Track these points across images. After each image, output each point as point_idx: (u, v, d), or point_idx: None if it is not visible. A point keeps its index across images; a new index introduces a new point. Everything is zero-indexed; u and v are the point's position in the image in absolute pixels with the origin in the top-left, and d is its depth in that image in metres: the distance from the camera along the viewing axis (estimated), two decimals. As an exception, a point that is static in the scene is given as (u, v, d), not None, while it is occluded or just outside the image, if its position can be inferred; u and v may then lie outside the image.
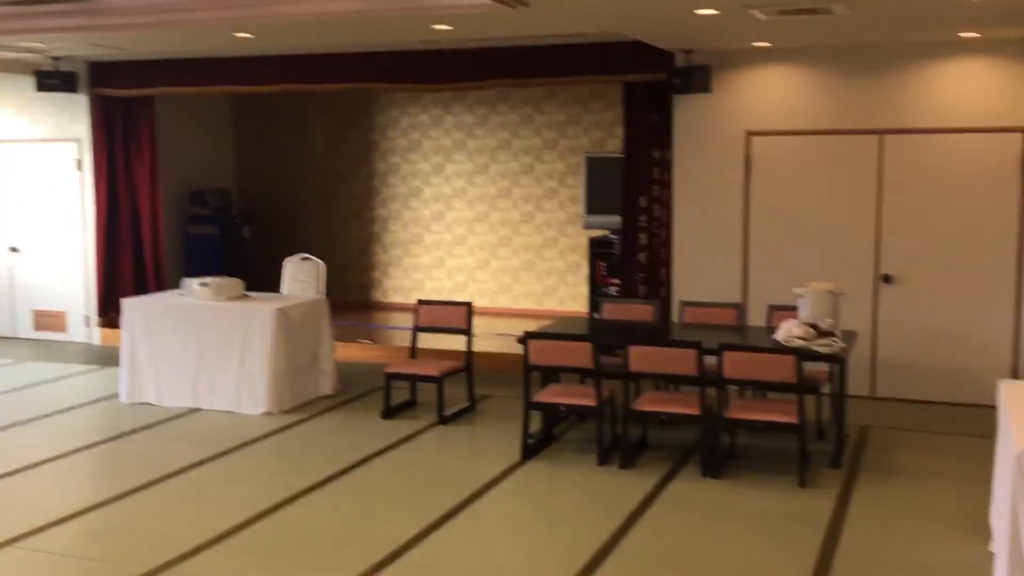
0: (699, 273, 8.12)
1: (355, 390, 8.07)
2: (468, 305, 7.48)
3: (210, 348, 7.48)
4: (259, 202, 11.82)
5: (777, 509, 5.39)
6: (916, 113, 7.46)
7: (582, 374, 6.72)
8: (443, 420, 7.12)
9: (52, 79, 9.53)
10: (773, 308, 6.99)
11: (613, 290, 9.16)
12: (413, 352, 7.68)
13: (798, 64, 7.72)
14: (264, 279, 9.97)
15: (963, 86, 7.34)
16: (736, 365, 5.81)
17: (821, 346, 5.94)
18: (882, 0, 5.64)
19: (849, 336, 6.38)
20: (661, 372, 6.07)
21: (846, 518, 5.24)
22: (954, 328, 7.52)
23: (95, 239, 9.98)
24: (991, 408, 7.37)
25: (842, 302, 6.38)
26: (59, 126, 10.09)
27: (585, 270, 10.36)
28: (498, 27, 6.99)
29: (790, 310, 6.69)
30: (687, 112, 8.03)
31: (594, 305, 9.33)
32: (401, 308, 11.33)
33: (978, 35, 6.98)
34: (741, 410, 5.99)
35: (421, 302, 7.67)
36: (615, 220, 9.00)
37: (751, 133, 7.88)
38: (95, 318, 10.15)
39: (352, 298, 11.57)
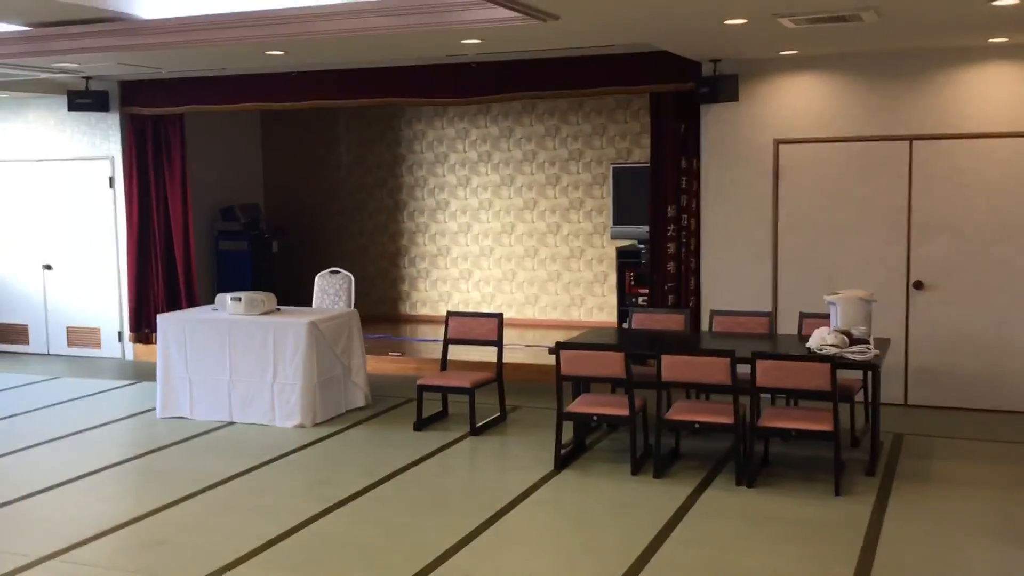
0: (728, 282, 8.11)
1: (387, 402, 8.11)
2: (499, 316, 7.51)
3: (243, 362, 7.54)
4: (288, 217, 11.92)
5: (813, 517, 5.37)
6: (945, 119, 7.43)
7: (613, 384, 6.74)
8: (475, 431, 7.15)
9: (84, 98, 9.67)
10: (804, 316, 6.98)
11: (641, 300, 9.16)
12: (444, 364, 7.71)
13: (826, 71, 7.72)
14: (293, 293, 10.07)
15: (993, 91, 7.31)
16: (769, 373, 5.80)
17: (855, 354, 5.92)
18: (911, 6, 5.63)
19: (882, 343, 6.35)
20: (694, 381, 6.07)
21: (883, 526, 5.21)
22: (987, 334, 7.47)
23: (127, 256, 10.10)
24: (1027, 414, 7.33)
25: (874, 309, 6.36)
26: (91, 144, 10.23)
27: (612, 281, 10.38)
28: (528, 41, 7.04)
29: (821, 318, 6.68)
30: (715, 121, 8.04)
31: (622, 315, 9.34)
32: (429, 320, 11.39)
33: (1007, 40, 6.96)
34: (774, 418, 5.98)
35: (451, 314, 7.70)
36: (642, 230, 9.02)
37: (779, 141, 7.88)
38: (128, 334, 10.27)
39: (380, 311, 11.63)
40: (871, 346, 6.01)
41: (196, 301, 9.97)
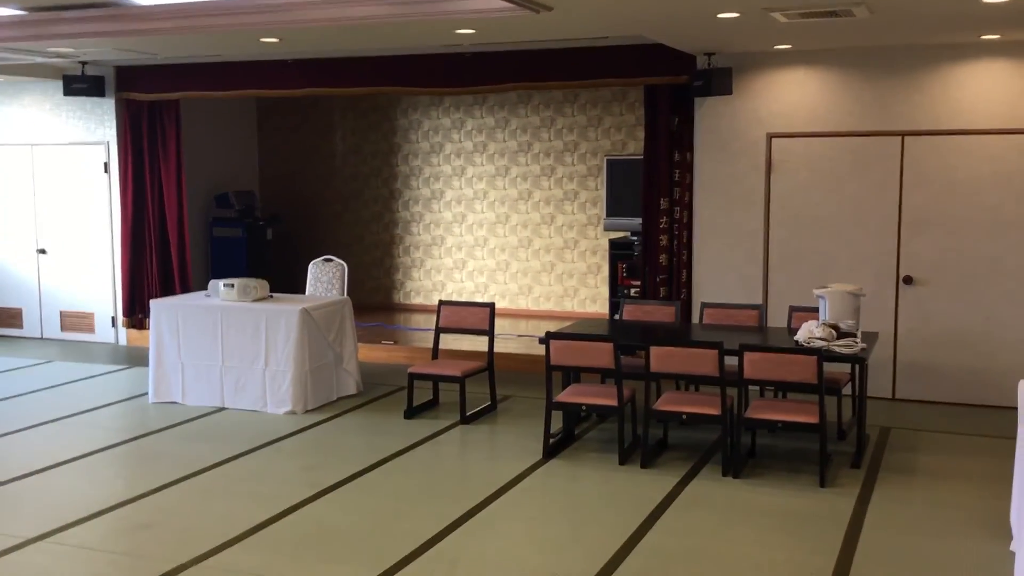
0: (720, 275, 8.15)
1: (378, 390, 8.16)
2: (491, 306, 7.55)
3: (235, 348, 7.58)
4: (282, 204, 11.93)
5: (798, 508, 5.43)
6: (937, 115, 7.47)
7: (603, 374, 6.78)
8: (465, 420, 7.19)
9: (80, 83, 9.68)
10: (794, 309, 7.02)
11: (633, 292, 9.20)
12: (435, 353, 7.75)
13: (819, 66, 7.75)
14: (287, 281, 10.10)
15: (985, 88, 7.34)
16: (757, 366, 5.85)
17: (842, 347, 5.97)
18: (903, 2, 5.66)
19: (870, 337, 6.40)
20: (682, 372, 6.11)
21: (866, 517, 5.26)
22: (975, 329, 7.52)
23: (121, 241, 10.12)
24: (1012, 409, 7.38)
25: (863, 303, 6.40)
26: (86, 129, 10.24)
27: (605, 272, 10.41)
28: (521, 31, 7.06)
29: (811, 311, 6.73)
30: (709, 114, 8.07)
31: (614, 307, 9.38)
32: (422, 310, 11.42)
33: (999, 37, 6.99)
34: (762, 410, 6.02)
35: (443, 303, 7.74)
36: (635, 222, 9.05)
37: (772, 135, 7.92)
38: (121, 319, 10.29)
39: (374, 300, 11.67)
40: (858, 340, 6.05)
41: (190, 287, 9.99)
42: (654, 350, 6.05)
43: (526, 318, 10.92)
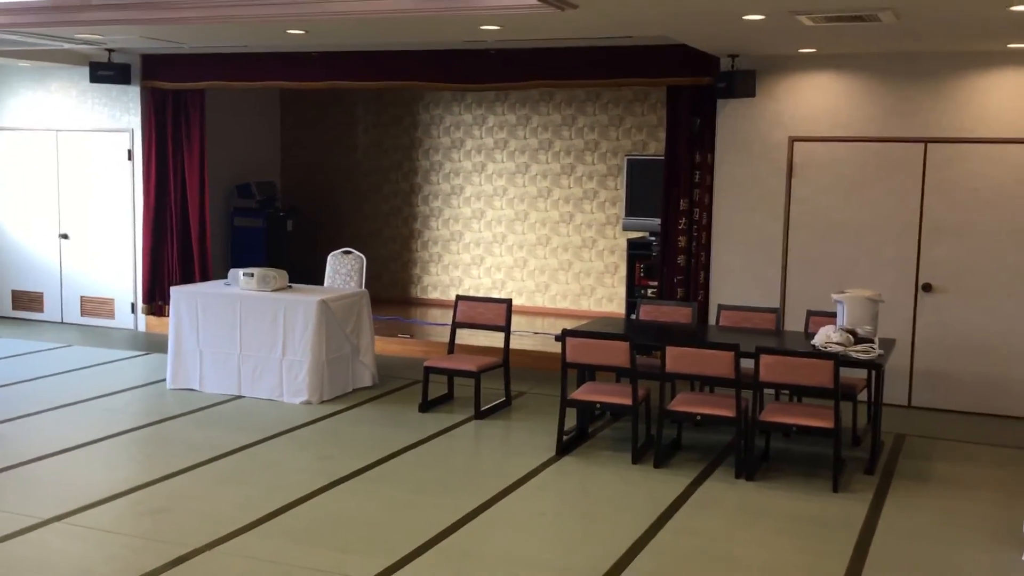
0: (737, 277, 8.15)
1: (393, 383, 8.19)
2: (508, 302, 7.57)
3: (254, 337, 7.63)
4: (303, 196, 11.99)
5: (810, 512, 5.42)
6: (961, 123, 7.44)
7: (618, 373, 6.79)
8: (479, 415, 7.22)
9: (106, 70, 9.76)
10: (811, 313, 7.01)
11: (651, 292, 9.20)
12: (451, 347, 7.77)
13: (843, 70, 7.73)
14: (306, 272, 10.14)
15: (1009, 97, 7.30)
16: (773, 369, 5.84)
17: (859, 352, 5.96)
18: (929, 8, 5.64)
19: (887, 344, 6.38)
20: (697, 373, 6.11)
21: (879, 524, 5.26)
22: (994, 339, 7.48)
23: (143, 228, 10.20)
24: (1029, 420, 7.35)
25: (881, 309, 6.39)
26: (111, 116, 10.32)
27: (622, 272, 10.41)
28: (547, 29, 7.07)
29: (828, 316, 6.72)
30: (731, 116, 8.06)
31: (631, 306, 9.38)
32: (439, 305, 11.45)
33: (1026, 46, 6.96)
34: (777, 413, 6.02)
35: (460, 298, 7.76)
36: (654, 222, 9.05)
37: (794, 139, 7.90)
38: (141, 305, 10.37)
39: (391, 293, 11.71)
40: (876, 346, 6.04)
41: (210, 276, 10.06)
42: (670, 350, 6.06)
43: (542, 316, 10.93)
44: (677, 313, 7.34)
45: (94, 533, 4.96)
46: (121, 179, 10.36)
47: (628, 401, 6.23)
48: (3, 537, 4.85)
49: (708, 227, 8.30)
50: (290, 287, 7.99)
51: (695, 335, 6.77)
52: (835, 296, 6.34)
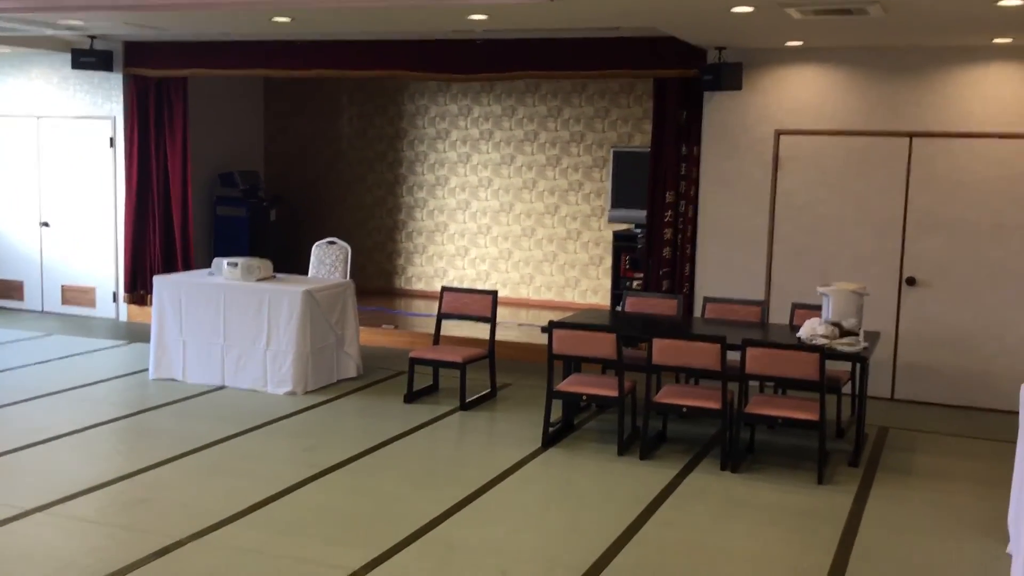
0: (723, 270, 8.16)
1: (378, 374, 8.16)
2: (494, 294, 7.55)
3: (237, 327, 7.58)
4: (287, 186, 11.92)
5: (795, 504, 5.44)
6: (946, 117, 7.47)
7: (604, 365, 6.79)
8: (465, 406, 7.20)
9: (88, 57, 9.65)
10: (796, 306, 7.03)
11: (636, 284, 9.21)
12: (437, 338, 7.75)
13: (830, 64, 7.74)
14: (290, 262, 10.09)
15: (995, 91, 7.34)
16: (759, 361, 5.85)
17: (844, 345, 5.98)
18: (917, 3, 5.65)
19: (872, 337, 6.41)
20: (684, 366, 6.11)
21: (864, 516, 5.28)
22: (977, 332, 7.53)
23: (125, 216, 10.11)
24: (1011, 414, 7.39)
25: (865, 303, 6.41)
26: (93, 103, 10.22)
27: (607, 264, 10.42)
28: (535, 19, 7.05)
29: (813, 309, 6.74)
30: (717, 109, 8.06)
31: (616, 299, 9.39)
32: (423, 296, 11.42)
33: (1012, 41, 6.98)
34: (762, 406, 6.04)
35: (446, 289, 7.74)
36: (640, 215, 9.05)
37: (780, 132, 7.91)
38: (123, 294, 10.29)
39: (375, 284, 11.67)
40: (861, 339, 6.06)
41: (192, 265, 9.99)
42: (656, 342, 6.06)
43: (527, 307, 10.92)
44: (663, 305, 7.35)
45: (77, 524, 4.92)
46: (103, 167, 10.26)
47: (614, 393, 6.23)
48: (-16, 528, 4.80)
49: (694, 220, 8.30)
50: (274, 277, 7.95)
51: (681, 327, 6.78)
52: (820, 289, 6.36)
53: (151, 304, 8.20)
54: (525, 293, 11.17)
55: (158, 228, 10.15)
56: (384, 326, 9.55)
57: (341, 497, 5.41)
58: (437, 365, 7.48)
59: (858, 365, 6.33)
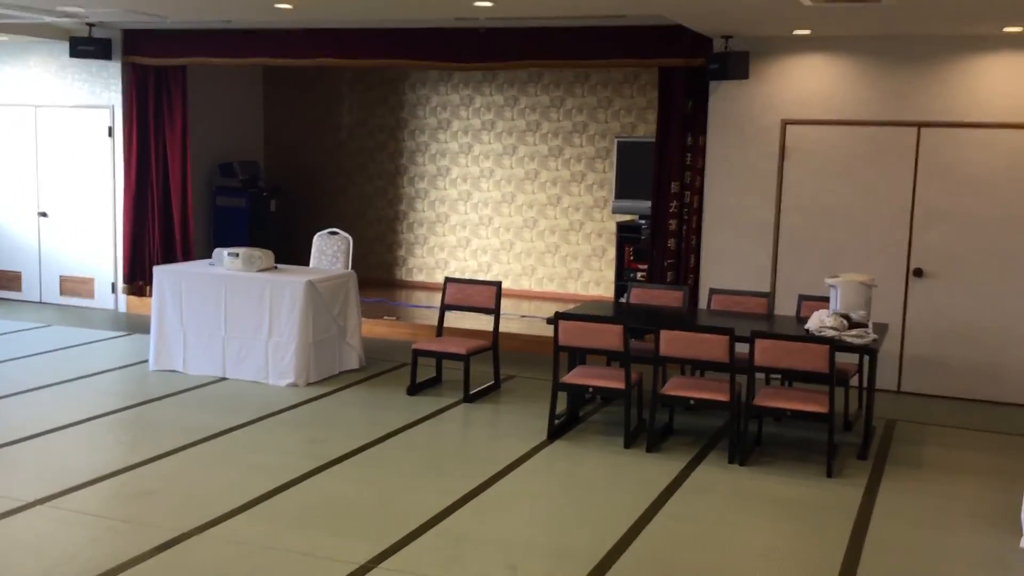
0: (728, 261, 8.09)
1: (380, 365, 8.09)
2: (498, 285, 7.48)
3: (239, 318, 7.51)
4: (287, 176, 11.84)
5: (804, 497, 5.39)
6: (955, 107, 7.40)
7: (609, 357, 6.72)
8: (468, 398, 7.14)
9: (86, 45, 9.56)
10: (803, 298, 6.97)
11: (640, 275, 9.14)
12: (440, 330, 7.68)
13: (838, 53, 7.66)
14: (289, 252, 10.02)
15: (1004, 81, 7.27)
16: (768, 353, 5.79)
17: (853, 337, 5.92)
18: (930, -10, 5.58)
19: (880, 328, 6.35)
20: (691, 357, 6.05)
21: (874, 509, 5.22)
22: (985, 324, 7.47)
23: (124, 206, 10.02)
24: (1020, 407, 7.36)
25: (873, 294, 6.35)
26: (92, 92, 10.12)
27: (610, 255, 10.35)
28: (540, 5, 6.96)
29: (820, 300, 6.68)
30: (723, 98, 7.99)
31: (620, 290, 9.33)
32: (424, 287, 11.35)
33: (1022, 29, 6.91)
34: (771, 398, 5.97)
35: (449, 280, 7.67)
36: (644, 205, 8.98)
37: (787, 122, 7.84)
38: (122, 285, 10.20)
39: (376, 276, 11.59)
40: (870, 330, 6.00)
41: (192, 255, 9.91)
42: (664, 334, 5.99)
43: (528, 299, 10.86)
44: (668, 297, 7.28)
45: (79, 516, 4.85)
46: (101, 156, 10.17)
47: (621, 385, 6.17)
48: (-15, 520, 4.73)
49: (699, 210, 8.24)
50: (276, 268, 7.87)
51: (687, 319, 6.71)
52: (828, 280, 6.29)
53: (150, 295, 8.12)
54: (527, 285, 11.10)
55: (157, 218, 10.06)
56: (385, 317, 9.48)
57: (347, 489, 5.34)
58: (440, 357, 7.41)
59: (866, 357, 6.28)
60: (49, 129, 10.37)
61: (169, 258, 9.92)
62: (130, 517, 4.87)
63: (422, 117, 11.39)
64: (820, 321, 6.08)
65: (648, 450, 6.08)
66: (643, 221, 9.23)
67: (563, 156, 10.83)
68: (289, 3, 7.15)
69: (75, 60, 9.85)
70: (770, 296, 7.20)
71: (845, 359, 6.41)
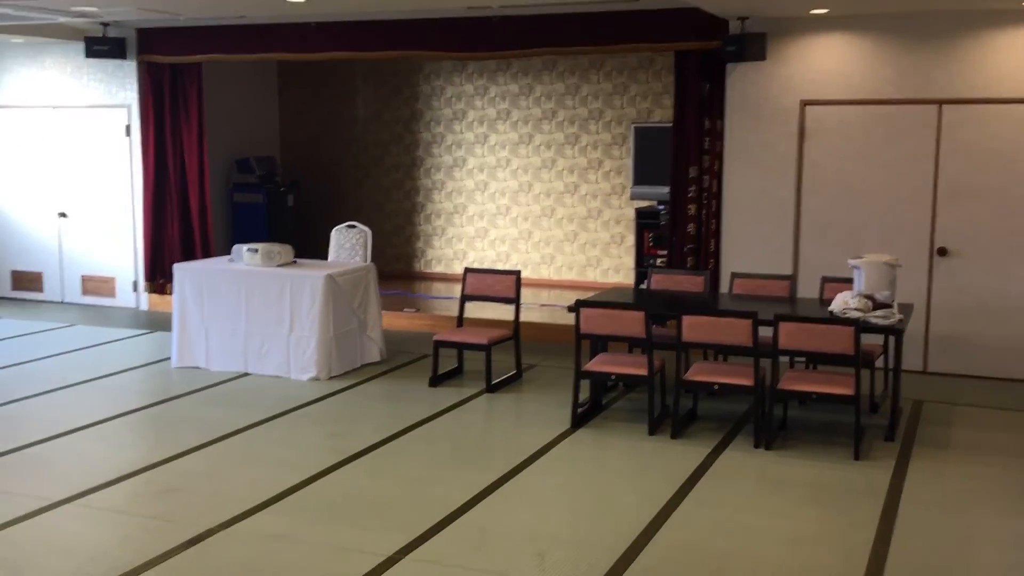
0: (749, 244, 8.03)
1: (401, 358, 8.09)
2: (517, 274, 7.45)
3: (259, 313, 7.52)
4: (304, 171, 11.84)
5: (832, 481, 5.34)
6: (976, 83, 7.30)
7: (631, 343, 6.69)
8: (491, 388, 7.12)
9: (101, 45, 9.58)
10: (826, 280, 6.90)
11: (660, 261, 9.09)
12: (460, 320, 7.67)
13: (855, 32, 7.57)
14: (308, 247, 10.01)
15: (1026, 56, 7.17)
16: (792, 336, 5.74)
17: (878, 318, 5.86)
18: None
19: (905, 309, 6.28)
20: (714, 342, 6.01)
21: (903, 491, 5.17)
22: (1010, 302, 7.38)
23: (143, 205, 10.05)
24: (1050, 384, 7.26)
25: (898, 274, 6.28)
26: (108, 92, 10.15)
27: (629, 242, 10.30)
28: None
29: (844, 282, 6.61)
30: (740, 81, 7.91)
31: (640, 277, 9.28)
32: (443, 278, 11.34)
33: (1043, 3, 6.81)
34: (796, 381, 5.93)
35: (469, 270, 7.64)
36: (662, 191, 8.92)
37: (805, 102, 7.76)
38: (143, 283, 10.25)
39: (394, 268, 11.59)
40: (895, 311, 5.94)
41: (211, 252, 9.93)
42: (686, 319, 5.95)
43: (548, 288, 10.82)
44: (689, 282, 7.24)
45: (107, 514, 4.87)
46: (119, 156, 10.20)
47: (644, 372, 6.13)
48: (16, 519, 4.76)
49: (718, 194, 8.17)
50: (295, 262, 7.87)
51: (709, 304, 6.67)
52: (852, 261, 6.23)
53: (171, 292, 8.14)
54: (546, 273, 11.07)
55: (176, 216, 10.09)
56: (406, 309, 9.48)
57: (370, 482, 5.34)
58: (462, 347, 7.40)
59: (892, 338, 6.21)
60: (66, 130, 10.41)
61: (189, 255, 9.95)
62: (158, 514, 4.88)
63: (437, 108, 11.36)
64: (844, 303, 6.03)
65: (673, 436, 6.05)
66: (662, 207, 9.17)
67: (580, 143, 10.78)
68: (302, -3, 7.14)
69: (90, 60, 9.88)
70: (792, 278, 7.14)
71: (870, 340, 6.35)
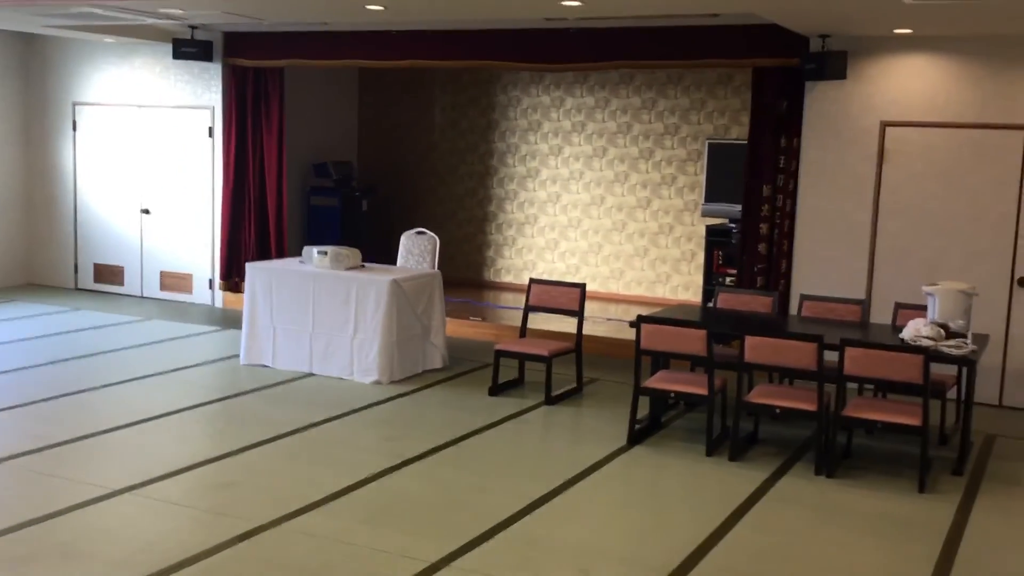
0: (821, 267, 7.86)
1: (464, 365, 8.11)
2: (582, 287, 7.42)
3: (326, 315, 7.61)
4: (379, 176, 11.98)
5: (894, 513, 5.18)
6: (1067, 109, 7.04)
7: (693, 362, 6.59)
8: (550, 400, 7.09)
9: (189, 47, 9.83)
10: (900, 306, 6.71)
11: (729, 280, 8.95)
12: (523, 331, 7.65)
13: (939, 53, 7.37)
14: (379, 251, 10.12)
15: (1121, 82, 6.88)
16: (858, 362, 5.59)
17: (950, 348, 5.67)
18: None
19: (980, 339, 6.07)
20: (777, 364, 5.89)
21: (967, 528, 4.99)
22: (1095, 339, 7.09)
23: (222, 205, 10.28)
24: None
25: (974, 303, 6.07)
26: (193, 93, 10.41)
27: (699, 260, 10.17)
28: (629, 5, 6.87)
29: (918, 309, 6.42)
30: (819, 99, 7.76)
31: (708, 294, 9.15)
32: (512, 288, 11.34)
33: None
34: (861, 409, 5.77)
35: (534, 281, 7.63)
36: (734, 209, 8.79)
37: (886, 123, 7.57)
38: (219, 281, 10.47)
39: (464, 276, 11.63)
40: (968, 341, 5.74)
41: (285, 253, 10.10)
42: (749, 340, 5.84)
43: (616, 302, 10.75)
44: (757, 302, 7.11)
45: (163, 505, 4.97)
46: (201, 156, 10.46)
47: (704, 391, 6.04)
48: (75, 506, 4.89)
49: (791, 214, 8.02)
50: (363, 266, 7.96)
51: (775, 325, 6.53)
52: (926, 288, 6.05)
53: (244, 291, 8.30)
54: (615, 288, 11.00)
55: (253, 217, 10.29)
56: (471, 318, 9.50)
57: (423, 488, 5.35)
58: (523, 358, 7.38)
59: (964, 369, 6.01)
60: (152, 129, 10.71)
61: (264, 255, 10.14)
62: (212, 507, 4.97)
63: (513, 118, 11.39)
64: (916, 330, 5.85)
65: (731, 459, 5.93)
66: (733, 225, 9.04)
67: (654, 158, 10.69)
68: (380, 4, 7.22)
69: (178, 61, 10.14)
70: (864, 303, 6.96)
71: (943, 370, 6.15)
